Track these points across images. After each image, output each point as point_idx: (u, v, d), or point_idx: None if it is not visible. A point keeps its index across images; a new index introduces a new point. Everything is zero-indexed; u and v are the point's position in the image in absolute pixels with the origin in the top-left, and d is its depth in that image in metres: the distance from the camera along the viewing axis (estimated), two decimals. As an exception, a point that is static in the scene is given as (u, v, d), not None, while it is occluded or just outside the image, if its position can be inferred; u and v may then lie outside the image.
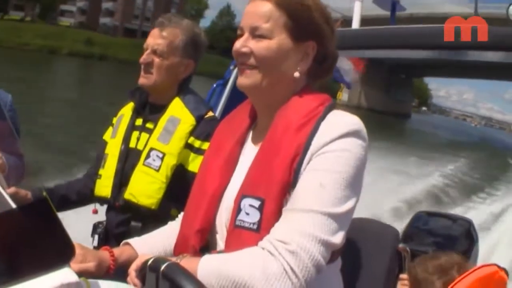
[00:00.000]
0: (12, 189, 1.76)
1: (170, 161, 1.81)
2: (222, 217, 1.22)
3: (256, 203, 1.10)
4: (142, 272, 1.04)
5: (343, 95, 39.49)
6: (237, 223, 1.11)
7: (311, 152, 1.09)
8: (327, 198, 1.03)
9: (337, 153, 1.07)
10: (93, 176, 1.99)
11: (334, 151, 1.08)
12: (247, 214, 1.10)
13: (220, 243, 1.22)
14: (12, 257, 0.56)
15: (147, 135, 1.89)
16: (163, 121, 1.88)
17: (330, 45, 1.25)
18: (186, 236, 1.25)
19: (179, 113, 1.88)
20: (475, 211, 8.69)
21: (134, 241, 1.38)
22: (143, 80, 1.91)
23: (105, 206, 1.98)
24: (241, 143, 1.30)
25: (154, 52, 1.89)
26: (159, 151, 1.82)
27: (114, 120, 2.07)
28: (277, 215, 1.08)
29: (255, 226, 1.08)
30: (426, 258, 1.69)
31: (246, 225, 1.10)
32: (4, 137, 2.18)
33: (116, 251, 1.34)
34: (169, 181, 1.81)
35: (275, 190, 1.09)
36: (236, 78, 2.58)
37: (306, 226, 1.00)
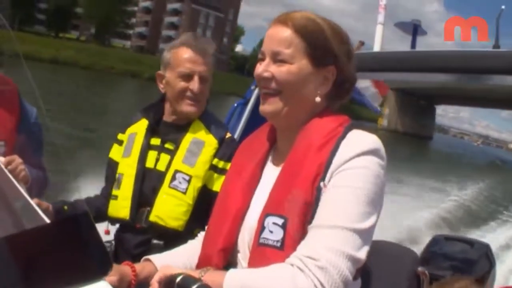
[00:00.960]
0: (35, 201, 1.78)
1: (197, 183, 1.82)
2: (245, 237, 1.23)
3: (280, 221, 1.11)
4: (168, 286, 1.05)
5: (384, 121, 53.39)
6: (261, 241, 1.13)
7: (331, 170, 1.12)
8: (351, 213, 1.05)
9: (357, 170, 1.10)
10: (107, 196, 1.98)
11: (354, 168, 1.10)
12: (271, 232, 1.12)
13: (242, 262, 1.23)
14: (51, 268, 0.58)
15: (168, 156, 1.89)
16: (186, 143, 1.88)
17: (348, 68, 1.28)
18: (208, 255, 1.26)
19: (202, 135, 1.89)
20: (493, 235, 8.52)
21: (155, 258, 1.39)
22: (193, 109, 1.90)
23: (116, 226, 1.97)
24: (261, 165, 1.32)
25: (203, 80, 1.90)
26: (185, 173, 1.82)
27: (120, 136, 2.05)
28: (300, 232, 1.09)
29: (278, 244, 1.10)
30: (443, 284, 1.67)
31: (270, 242, 1.11)
32: (28, 149, 2.22)
33: (138, 266, 1.35)
34: (195, 203, 1.81)
35: (298, 208, 1.11)
36: (257, 97, 2.64)
37: (334, 241, 1.02)
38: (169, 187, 1.83)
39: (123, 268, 1.32)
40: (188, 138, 1.89)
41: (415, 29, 2.85)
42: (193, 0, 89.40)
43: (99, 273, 0.60)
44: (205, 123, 1.93)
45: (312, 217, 1.10)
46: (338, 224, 1.04)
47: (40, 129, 2.39)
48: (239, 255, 1.25)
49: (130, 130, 2.03)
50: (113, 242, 1.96)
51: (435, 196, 11.06)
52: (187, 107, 1.90)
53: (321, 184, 1.11)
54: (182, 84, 1.88)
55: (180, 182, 1.82)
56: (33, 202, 0.97)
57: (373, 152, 1.13)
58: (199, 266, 1.30)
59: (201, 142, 1.87)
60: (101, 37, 78.14)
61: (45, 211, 1.82)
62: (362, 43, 2.60)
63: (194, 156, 1.85)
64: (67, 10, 74.71)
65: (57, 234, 0.58)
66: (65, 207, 1.91)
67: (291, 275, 1.00)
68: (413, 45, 2.76)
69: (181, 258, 1.41)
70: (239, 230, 1.26)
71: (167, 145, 1.93)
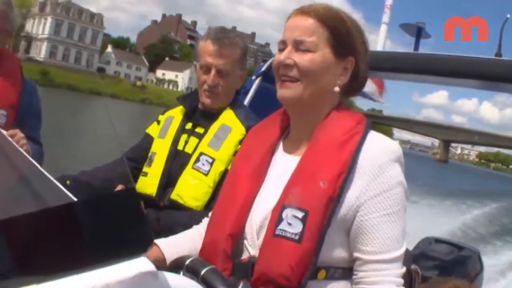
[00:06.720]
0: None
1: (219, 167, 1.85)
2: (253, 224, 1.22)
3: (300, 214, 1.11)
4: None
5: (437, 155, 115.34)
6: (277, 232, 1.13)
7: (361, 175, 1.15)
8: (400, 239, 1.15)
9: (395, 190, 1.15)
10: (128, 161, 2.02)
11: (392, 189, 1.15)
12: (289, 224, 1.12)
13: (250, 250, 1.22)
14: (93, 242, 0.57)
15: (197, 140, 1.93)
16: (214, 128, 1.93)
17: (364, 63, 1.29)
18: (215, 241, 1.25)
19: (230, 122, 1.93)
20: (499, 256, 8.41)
21: (161, 242, 1.37)
22: (208, 101, 1.95)
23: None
24: (271, 151, 1.32)
25: (220, 72, 1.91)
26: (209, 156, 1.86)
27: (160, 117, 2.11)
28: (320, 227, 1.10)
29: (297, 237, 1.10)
30: (434, 283, 1.69)
31: (288, 235, 1.11)
32: (27, 123, 2.20)
33: None
34: (215, 186, 1.83)
35: (319, 203, 1.11)
36: (257, 87, 2.65)
37: (398, 273, 1.14)
38: (192, 168, 1.86)
39: None
40: (217, 124, 1.94)
41: (418, 31, 2.86)
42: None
43: (139, 249, 0.60)
44: (235, 112, 1.97)
45: (332, 213, 1.12)
46: (397, 255, 1.13)
47: (39, 104, 2.37)
48: (246, 242, 1.24)
49: (168, 113, 2.10)
50: None
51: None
52: (204, 99, 1.95)
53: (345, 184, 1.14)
54: (202, 76, 1.94)
55: (203, 164, 1.85)
56: (48, 175, 0.96)
57: (398, 160, 1.18)
58: (203, 250, 1.28)
59: (229, 128, 1.91)
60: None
61: None
62: None
63: (220, 140, 1.88)
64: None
65: (102, 208, 0.58)
66: (68, 182, 1.89)
67: None
68: (416, 47, 2.78)
69: (185, 243, 1.40)
70: (247, 216, 1.24)
71: (197, 129, 1.98)
